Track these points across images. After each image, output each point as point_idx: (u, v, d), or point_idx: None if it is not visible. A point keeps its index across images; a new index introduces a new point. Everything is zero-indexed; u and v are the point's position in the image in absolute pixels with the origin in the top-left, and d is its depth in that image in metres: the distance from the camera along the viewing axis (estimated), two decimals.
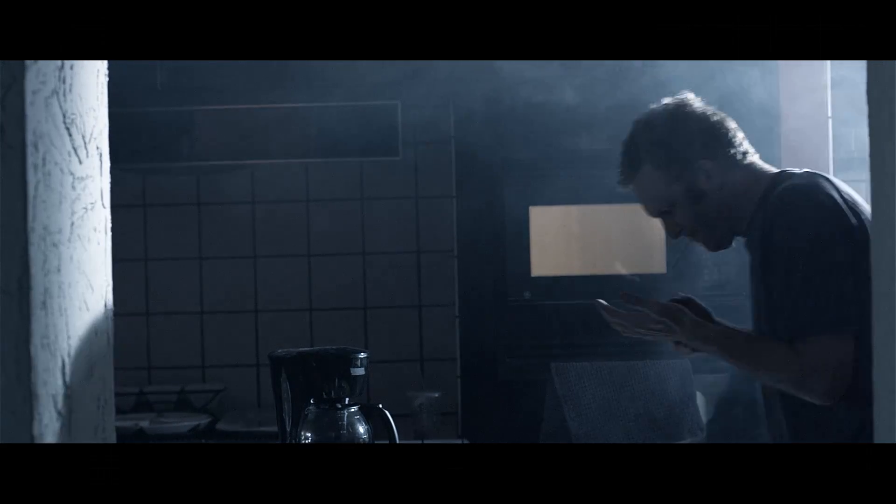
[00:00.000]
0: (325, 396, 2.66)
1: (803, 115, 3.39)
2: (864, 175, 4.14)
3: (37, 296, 1.46)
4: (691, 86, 3.24)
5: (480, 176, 3.51)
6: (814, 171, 2.36)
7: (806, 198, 2.25)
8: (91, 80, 1.65)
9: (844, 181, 3.78)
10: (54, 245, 1.51)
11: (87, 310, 1.62)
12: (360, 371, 2.72)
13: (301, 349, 2.81)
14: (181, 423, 3.65)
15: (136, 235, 4.01)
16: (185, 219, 4.03)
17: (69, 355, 1.54)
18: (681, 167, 2.36)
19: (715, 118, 2.40)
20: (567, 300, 3.47)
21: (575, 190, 3.49)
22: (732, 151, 2.37)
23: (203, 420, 3.71)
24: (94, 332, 1.63)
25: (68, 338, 1.54)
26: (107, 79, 1.71)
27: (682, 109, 2.42)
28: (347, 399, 2.66)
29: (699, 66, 3.15)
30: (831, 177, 2.33)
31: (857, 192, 4.01)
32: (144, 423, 3.62)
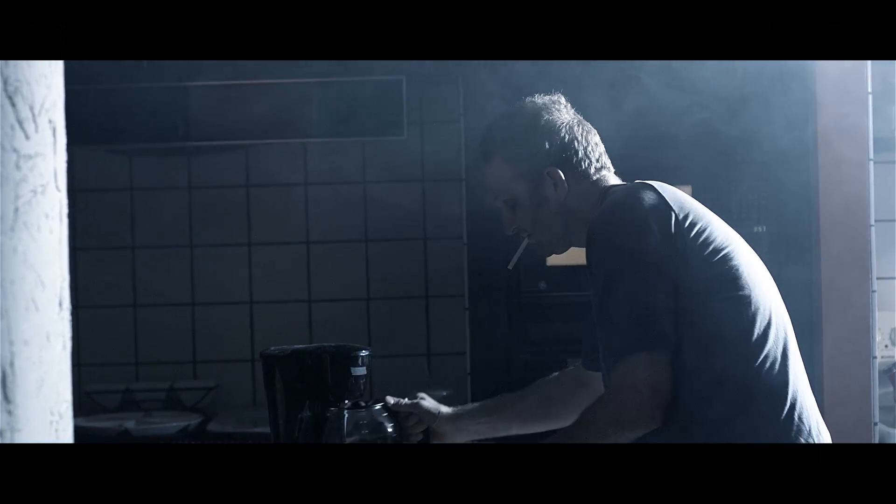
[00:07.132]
0: (322, 398, 2.48)
1: (842, 91, 3.22)
2: None
3: None
4: (722, 65, 3.10)
5: None
6: (641, 181, 2.30)
7: (615, 215, 2.23)
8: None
9: (884, 162, 3.64)
10: None
11: (37, 310, 1.44)
12: (362, 370, 2.58)
13: (296, 346, 2.66)
14: (170, 424, 3.53)
15: (123, 222, 3.88)
16: (176, 204, 3.91)
17: (11, 365, 1.38)
18: (529, 168, 2.38)
19: (577, 129, 2.39)
20: (584, 291, 3.33)
21: None
22: (585, 165, 2.37)
23: (193, 420, 3.58)
24: (46, 336, 1.46)
25: (11, 343, 1.38)
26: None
27: (545, 111, 2.41)
28: (347, 401, 2.48)
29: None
30: (658, 185, 2.25)
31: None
32: (130, 424, 3.50)
